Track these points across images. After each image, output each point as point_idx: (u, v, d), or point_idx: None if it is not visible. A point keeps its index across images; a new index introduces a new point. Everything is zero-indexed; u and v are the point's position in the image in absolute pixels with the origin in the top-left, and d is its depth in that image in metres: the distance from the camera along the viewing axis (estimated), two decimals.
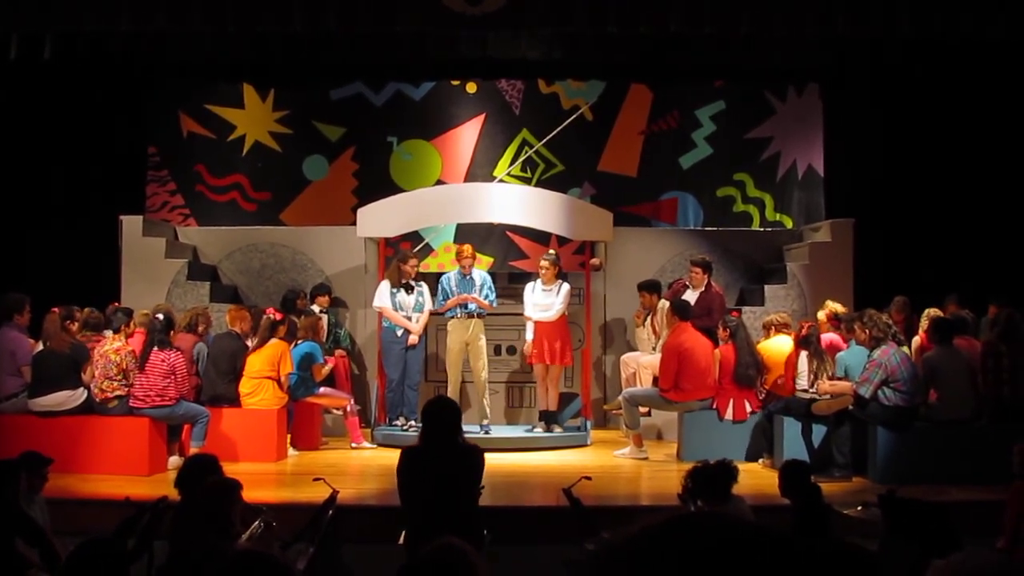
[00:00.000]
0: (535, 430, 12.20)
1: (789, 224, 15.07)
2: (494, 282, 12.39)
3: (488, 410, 12.14)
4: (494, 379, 12.94)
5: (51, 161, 13.89)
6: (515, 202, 12.32)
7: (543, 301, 11.95)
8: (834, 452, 9.80)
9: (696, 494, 6.26)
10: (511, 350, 13.10)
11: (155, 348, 10.11)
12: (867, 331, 9.87)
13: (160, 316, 10.40)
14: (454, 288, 11.99)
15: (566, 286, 12.00)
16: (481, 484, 6.32)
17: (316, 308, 12.80)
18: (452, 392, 11.90)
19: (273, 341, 11.05)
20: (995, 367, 9.88)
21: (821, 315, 11.34)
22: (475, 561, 3.91)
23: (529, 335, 12.07)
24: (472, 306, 11.91)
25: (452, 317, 12.00)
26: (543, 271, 12.02)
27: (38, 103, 13.67)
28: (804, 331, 10.61)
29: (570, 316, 12.47)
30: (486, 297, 11.96)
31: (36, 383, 10.05)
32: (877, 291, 12.10)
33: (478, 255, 12.47)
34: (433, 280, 12.72)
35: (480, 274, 12.13)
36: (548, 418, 12.10)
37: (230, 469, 6.75)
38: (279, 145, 15.25)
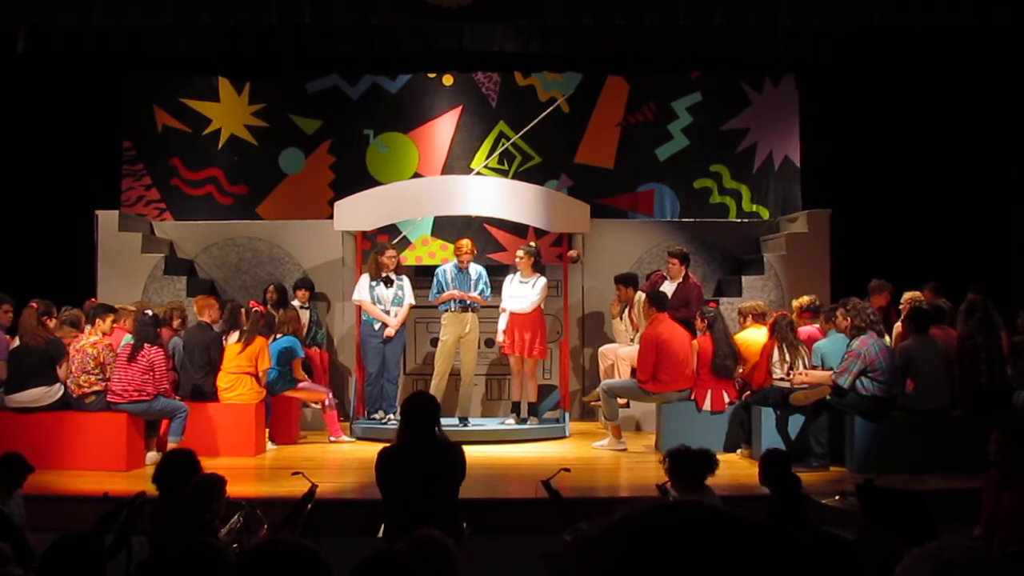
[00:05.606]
0: (507, 422, 12.24)
1: (766, 215, 15.11)
2: None
3: (470, 404, 12.18)
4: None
5: (25, 155, 13.81)
6: (492, 194, 12.32)
7: (518, 293, 11.96)
8: (812, 442, 9.82)
9: (671, 476, 6.29)
10: (489, 343, 13.09)
11: (143, 343, 10.05)
12: (849, 319, 9.91)
13: (149, 312, 10.36)
14: (450, 281, 11.98)
15: (543, 280, 11.99)
16: (462, 477, 6.29)
17: (296, 303, 12.77)
18: (438, 384, 11.84)
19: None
20: (972, 358, 9.93)
21: (793, 315, 11.33)
22: (453, 553, 3.92)
23: (501, 324, 12.08)
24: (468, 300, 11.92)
25: (447, 311, 11.99)
26: (519, 261, 12.04)
27: (12, 97, 13.58)
28: (772, 320, 10.66)
29: (547, 308, 12.47)
30: (481, 292, 11.98)
31: (11, 379, 9.98)
32: (854, 281, 12.12)
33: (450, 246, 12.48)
34: (412, 273, 12.73)
35: (476, 268, 12.13)
36: (528, 410, 12.11)
37: (209, 464, 6.73)
38: (255, 138, 15.22)
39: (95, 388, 9.97)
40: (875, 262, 12.97)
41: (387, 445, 6.33)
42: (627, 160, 15.24)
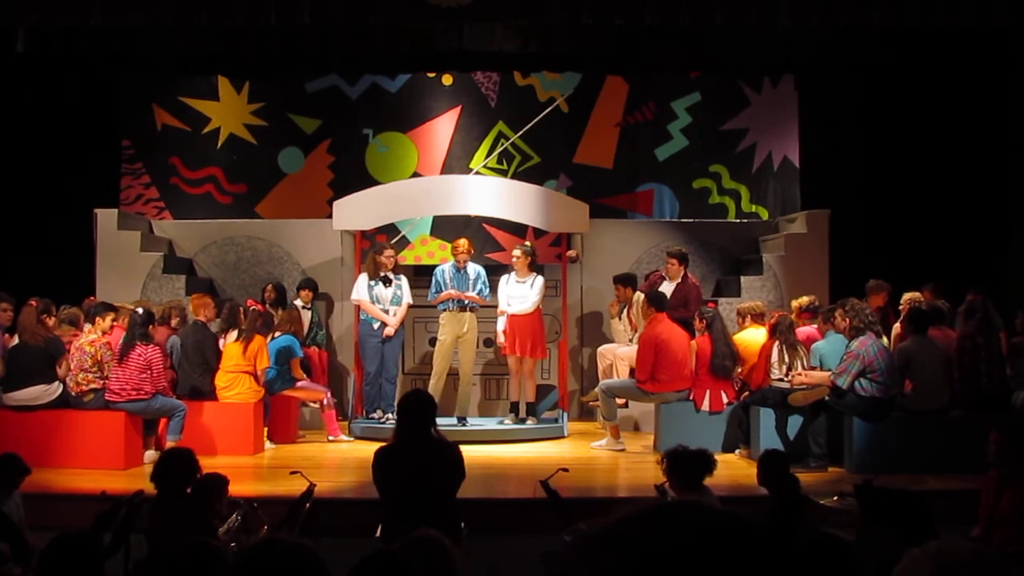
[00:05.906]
0: (505, 422, 12.23)
1: (765, 215, 15.10)
2: None
3: (468, 403, 12.18)
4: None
5: (24, 155, 13.79)
6: (491, 194, 12.32)
7: (517, 293, 11.96)
8: (810, 442, 9.82)
9: (669, 476, 6.29)
10: (487, 342, 13.09)
11: (136, 342, 10.04)
12: (848, 320, 9.90)
13: (140, 310, 10.35)
14: (448, 281, 11.98)
15: (540, 279, 12.00)
16: (462, 477, 6.27)
17: (299, 303, 12.75)
18: (437, 384, 11.84)
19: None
20: (971, 359, 9.93)
21: (792, 316, 11.33)
22: (452, 552, 3.91)
23: (500, 325, 12.08)
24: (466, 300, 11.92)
25: (445, 310, 12.00)
26: (515, 261, 12.04)
27: (11, 97, 13.57)
28: (774, 320, 10.66)
29: (546, 308, 12.47)
30: (479, 292, 11.98)
31: (10, 377, 9.97)
32: (853, 282, 12.12)
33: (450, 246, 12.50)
34: (411, 272, 12.73)
35: (475, 268, 12.15)
36: (527, 410, 12.11)
37: (207, 463, 6.73)
38: (254, 137, 15.20)
39: (93, 386, 9.97)
40: (874, 262, 12.96)
41: (384, 444, 6.33)
42: (626, 160, 15.23)
